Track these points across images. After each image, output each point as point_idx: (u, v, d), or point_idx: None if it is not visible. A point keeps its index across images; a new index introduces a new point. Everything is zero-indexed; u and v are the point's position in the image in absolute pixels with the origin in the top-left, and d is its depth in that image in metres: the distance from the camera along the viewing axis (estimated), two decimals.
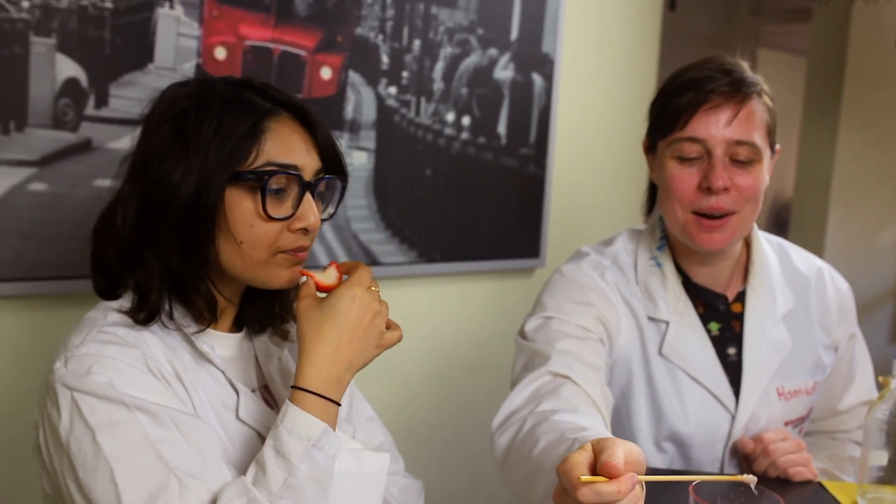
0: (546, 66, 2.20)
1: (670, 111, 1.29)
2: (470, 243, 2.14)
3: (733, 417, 1.34)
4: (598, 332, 1.32)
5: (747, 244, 1.43)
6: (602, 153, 2.35)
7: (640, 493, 0.82)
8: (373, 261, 1.97)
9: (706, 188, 1.27)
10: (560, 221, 2.31)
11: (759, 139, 1.27)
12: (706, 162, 1.28)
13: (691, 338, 1.35)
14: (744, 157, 1.27)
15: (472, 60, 2.07)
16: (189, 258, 0.98)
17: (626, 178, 2.40)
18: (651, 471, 1.31)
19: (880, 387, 1.22)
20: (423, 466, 2.15)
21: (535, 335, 1.33)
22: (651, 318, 1.36)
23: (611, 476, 0.80)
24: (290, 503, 0.89)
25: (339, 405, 0.97)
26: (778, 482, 1.28)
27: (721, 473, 1.35)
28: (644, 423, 1.35)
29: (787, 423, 1.38)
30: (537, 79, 2.19)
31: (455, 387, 2.19)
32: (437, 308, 2.14)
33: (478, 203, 2.14)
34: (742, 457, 1.34)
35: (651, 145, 1.38)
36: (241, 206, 0.98)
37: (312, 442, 0.91)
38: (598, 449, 0.82)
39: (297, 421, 0.92)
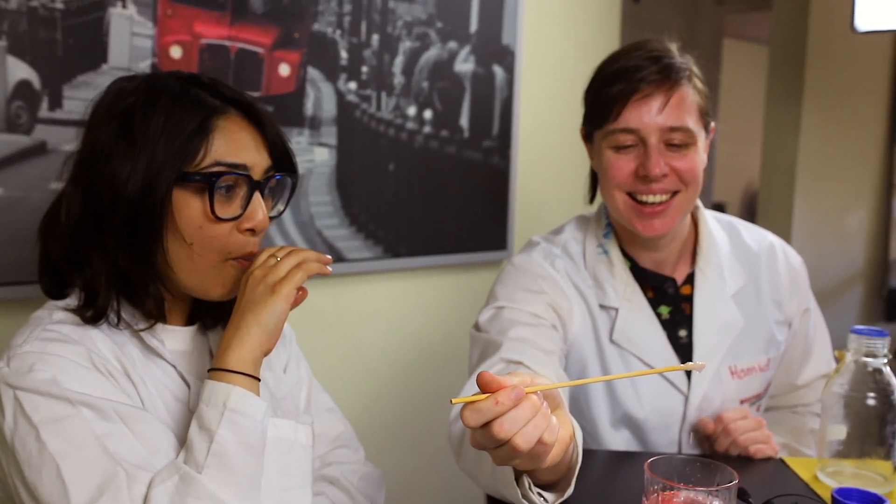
0: (507, 58, 2.20)
1: (602, 102, 1.30)
2: (436, 237, 2.14)
3: (686, 399, 1.35)
4: (551, 319, 1.33)
5: (694, 225, 1.44)
6: (565, 143, 2.36)
7: (536, 406, 0.83)
8: (338, 257, 1.96)
9: (643, 176, 1.28)
10: (526, 212, 2.32)
11: (692, 123, 1.28)
12: (642, 150, 1.29)
13: (641, 323, 1.36)
14: (678, 142, 1.28)
15: (431, 54, 2.07)
16: (137, 259, 0.97)
17: (589, 168, 2.40)
18: (609, 454, 1.33)
19: (837, 361, 1.23)
20: (396, 460, 2.15)
21: (488, 326, 1.33)
22: (602, 306, 1.37)
23: (489, 385, 0.81)
24: (217, 471, 0.88)
25: (258, 379, 0.96)
26: (740, 460, 1.29)
27: (679, 455, 1.36)
28: (601, 408, 1.36)
29: (742, 401, 1.39)
30: (498, 71, 2.20)
31: (425, 380, 2.19)
32: (405, 303, 2.15)
33: (443, 196, 2.14)
34: (702, 437, 1.35)
35: (588, 134, 1.39)
36: (189, 206, 0.97)
37: (230, 406, 0.91)
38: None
39: (213, 391, 0.92)
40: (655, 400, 1.35)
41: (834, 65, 3.22)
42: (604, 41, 2.42)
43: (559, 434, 0.86)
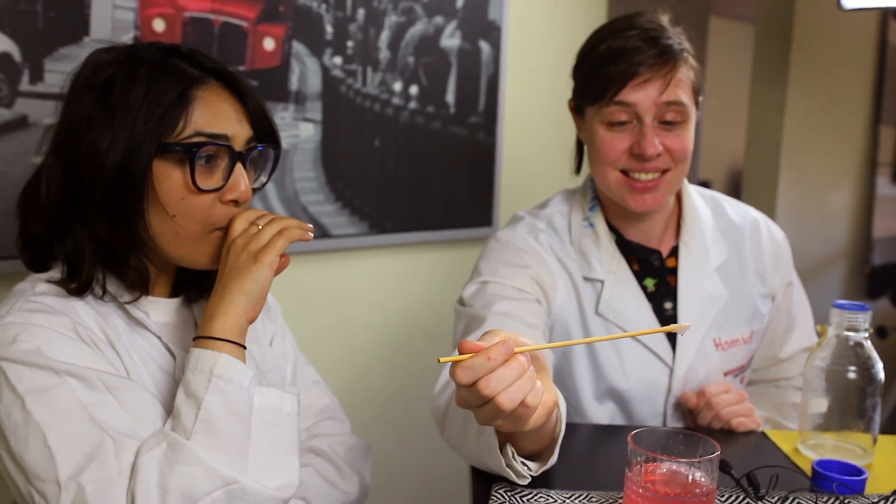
0: (493, 33, 2.19)
1: (599, 80, 1.30)
2: (422, 213, 2.14)
3: (671, 371, 1.36)
4: (535, 293, 1.33)
5: (678, 199, 1.45)
6: (552, 119, 2.35)
7: (523, 367, 0.84)
8: (323, 233, 1.96)
9: (637, 154, 1.28)
10: (512, 188, 2.32)
11: (686, 98, 1.29)
12: (636, 128, 1.29)
13: (626, 295, 1.37)
14: (672, 118, 1.28)
15: (417, 29, 2.06)
16: (118, 231, 0.97)
17: (575, 138, 2.40)
18: (594, 427, 1.34)
19: (819, 335, 1.24)
20: (381, 436, 2.16)
21: (472, 300, 1.34)
22: (586, 279, 1.38)
23: (473, 351, 0.82)
24: (206, 437, 0.88)
25: (244, 347, 0.96)
26: (723, 433, 1.30)
27: (664, 426, 1.37)
28: (585, 380, 1.37)
29: (726, 374, 1.40)
30: (485, 46, 2.19)
31: (411, 356, 2.20)
32: (391, 279, 2.15)
33: (428, 172, 2.13)
34: (686, 410, 1.36)
35: (578, 108, 1.39)
36: (169, 178, 0.97)
37: (217, 373, 0.91)
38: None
39: (199, 358, 0.93)
40: (640, 371, 1.36)
41: (819, 43, 3.22)
42: (591, 18, 2.41)
43: (543, 398, 0.87)
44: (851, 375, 1.17)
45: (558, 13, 2.35)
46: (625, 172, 1.32)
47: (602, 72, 1.28)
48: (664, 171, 1.31)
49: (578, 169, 1.47)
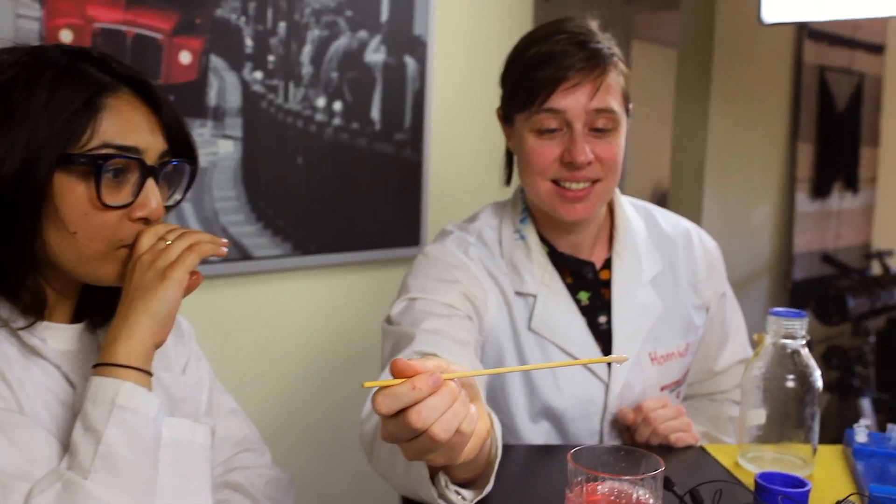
0: (419, 48, 2.15)
1: (527, 86, 1.26)
2: (347, 233, 2.08)
3: (607, 387, 1.32)
4: (465, 309, 1.28)
5: (610, 210, 1.42)
6: (479, 136, 2.32)
7: (455, 393, 0.78)
8: (244, 254, 1.88)
9: (568, 162, 1.25)
10: (440, 206, 2.27)
11: (616, 106, 1.26)
12: (567, 135, 1.26)
13: (560, 309, 1.33)
14: (603, 125, 1.25)
15: (341, 43, 2.01)
16: (12, 249, 0.88)
17: (505, 149, 2.38)
18: (529, 448, 1.29)
19: (755, 345, 1.22)
20: (307, 462, 2.07)
21: (400, 318, 1.28)
22: (518, 293, 1.33)
23: (406, 371, 0.77)
24: (106, 475, 0.80)
25: (150, 374, 0.88)
26: (661, 449, 1.26)
27: (602, 445, 1.33)
28: (519, 399, 1.32)
29: (662, 388, 1.37)
30: (410, 62, 2.14)
31: (338, 381, 2.12)
32: (316, 302, 2.07)
33: (354, 191, 2.08)
34: (623, 427, 1.33)
35: (507, 116, 1.35)
36: (72, 192, 0.88)
37: (119, 403, 0.83)
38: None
39: (100, 387, 0.84)
40: (575, 389, 1.31)
41: (740, 62, 3.29)
42: (517, 30, 2.38)
43: (477, 426, 0.81)
44: (790, 384, 1.14)
45: (483, 27, 2.33)
46: (556, 182, 1.28)
47: (530, 77, 1.25)
48: (594, 182, 1.28)
49: (508, 180, 1.44)
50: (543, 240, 1.38)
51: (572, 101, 1.23)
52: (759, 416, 1.19)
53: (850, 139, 3.87)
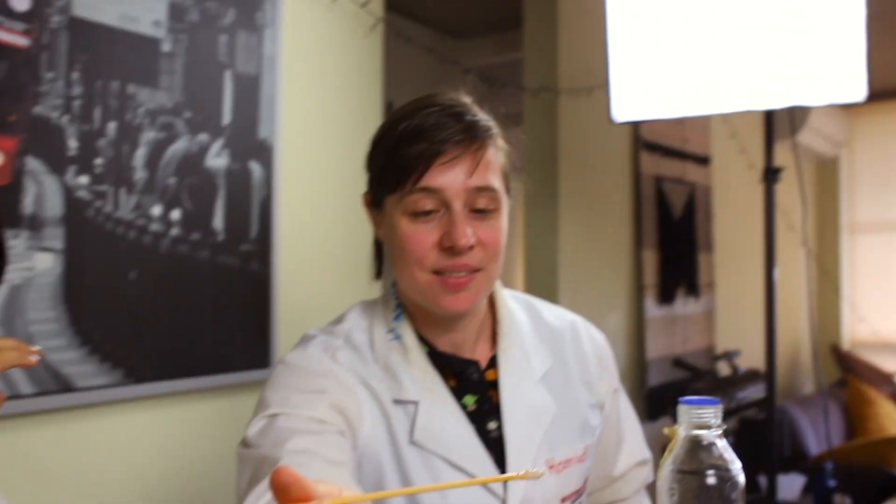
0: (264, 153, 2.01)
1: (399, 164, 1.14)
2: (188, 356, 1.84)
3: (503, 503, 1.16)
4: (336, 423, 1.10)
5: (491, 304, 1.30)
6: (334, 244, 2.17)
7: None
8: (65, 386, 1.61)
9: (448, 247, 1.12)
10: (292, 323, 2.08)
11: (497, 183, 1.16)
12: (445, 217, 1.13)
13: (445, 417, 1.17)
14: (484, 206, 1.14)
15: (179, 146, 1.83)
16: None
17: (364, 267, 2.23)
18: None
19: (665, 441, 1.10)
20: None
21: (259, 439, 1.07)
22: (397, 401, 1.17)
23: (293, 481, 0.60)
24: None
25: None
26: None
27: None
28: None
29: (563, 500, 1.22)
30: (256, 167, 1.99)
31: None
32: (153, 436, 1.80)
33: (195, 309, 1.86)
34: None
35: (375, 200, 1.22)
36: None
37: None
38: None
39: None
40: None
41: (584, 172, 3.36)
42: (368, 137, 2.30)
43: None
44: (710, 480, 1.02)
45: (335, 133, 2.22)
46: (436, 273, 1.14)
47: (402, 153, 1.13)
48: (475, 270, 1.15)
49: (379, 273, 1.29)
50: (421, 339, 1.23)
51: (450, 178, 1.11)
52: None
53: (688, 246, 4.00)
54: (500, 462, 1.19)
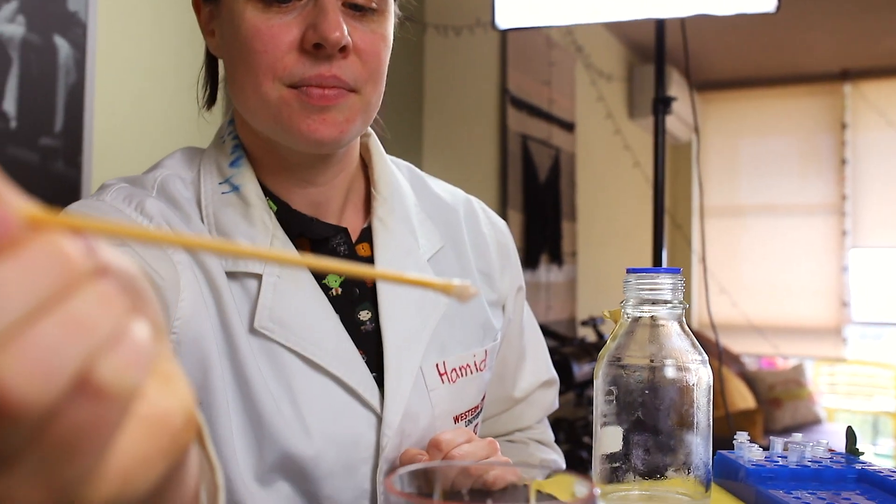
0: (74, 29, 1.61)
1: None
2: None
3: (380, 420, 0.86)
4: None
5: (364, 158, 0.99)
6: (164, 147, 1.79)
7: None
8: None
9: (314, 45, 0.80)
10: None
11: None
12: (309, 6, 0.81)
13: (300, 298, 0.85)
14: (363, 1, 0.83)
15: None
16: None
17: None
18: None
19: (609, 322, 0.82)
20: None
21: None
22: (232, 274, 0.84)
23: None
24: None
25: None
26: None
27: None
28: (238, 444, 0.81)
29: (457, 419, 0.93)
30: (63, 44, 1.59)
31: None
32: None
33: None
34: None
35: None
36: None
37: None
38: None
39: None
40: (330, 423, 0.83)
41: (450, 120, 3.09)
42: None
43: (157, 399, 0.33)
44: (670, 373, 0.75)
45: (159, 5, 1.84)
46: (293, 87, 0.82)
47: None
48: (349, 91, 0.83)
49: (212, 99, 0.96)
50: (268, 194, 0.90)
51: None
52: (614, 436, 0.79)
53: (553, 212, 3.82)
54: (375, 364, 0.88)
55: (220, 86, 0.98)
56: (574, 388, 3.04)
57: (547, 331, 3.44)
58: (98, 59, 1.66)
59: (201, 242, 0.47)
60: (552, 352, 3.05)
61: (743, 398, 4.39)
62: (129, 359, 0.30)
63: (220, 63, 0.94)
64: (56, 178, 1.58)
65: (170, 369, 0.36)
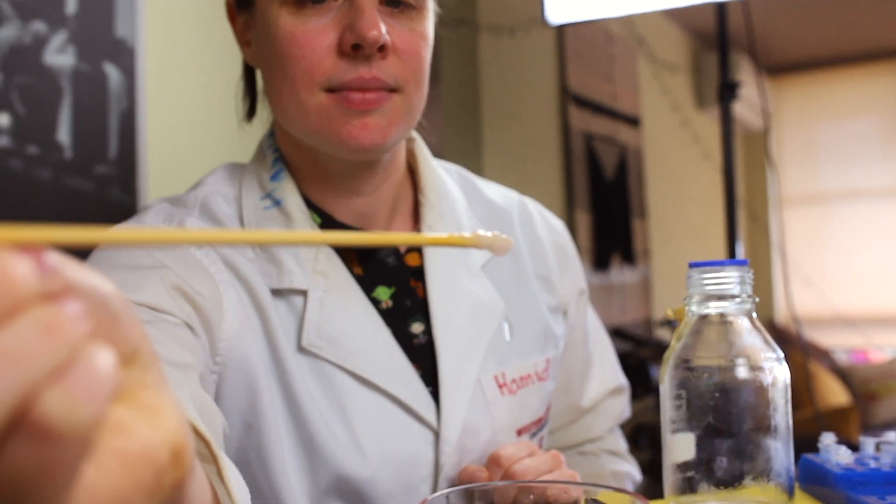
0: (123, 55, 1.62)
1: None
2: None
3: (437, 436, 0.81)
4: (181, 312, 0.73)
5: (411, 169, 0.95)
6: (216, 159, 1.79)
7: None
8: None
9: (352, 46, 0.77)
10: None
11: None
12: (345, 6, 0.78)
13: (348, 313, 0.81)
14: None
15: (6, 35, 1.43)
16: None
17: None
18: None
19: (673, 323, 0.76)
20: None
21: None
22: (277, 291, 0.81)
23: None
24: None
25: None
26: None
27: None
28: (290, 467, 0.77)
29: (520, 432, 0.88)
30: (112, 72, 1.60)
31: None
32: None
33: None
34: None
35: (242, 1, 0.86)
36: None
37: None
38: None
39: None
40: (386, 442, 0.79)
41: (509, 124, 3.04)
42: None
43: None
44: (742, 373, 0.69)
45: (206, 28, 1.84)
46: (332, 91, 0.78)
47: None
48: (391, 91, 0.80)
49: (252, 111, 0.93)
50: (312, 207, 0.87)
51: None
52: (685, 444, 0.72)
53: (622, 210, 3.72)
54: (430, 378, 0.83)
55: (260, 97, 0.96)
56: (653, 392, 2.95)
57: (622, 333, 3.35)
58: (148, 84, 1.66)
59: (199, 236, 0.44)
60: (629, 355, 2.98)
61: (835, 395, 4.20)
62: (79, 392, 0.27)
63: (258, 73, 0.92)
64: (112, 206, 1.59)
65: (155, 400, 0.33)
